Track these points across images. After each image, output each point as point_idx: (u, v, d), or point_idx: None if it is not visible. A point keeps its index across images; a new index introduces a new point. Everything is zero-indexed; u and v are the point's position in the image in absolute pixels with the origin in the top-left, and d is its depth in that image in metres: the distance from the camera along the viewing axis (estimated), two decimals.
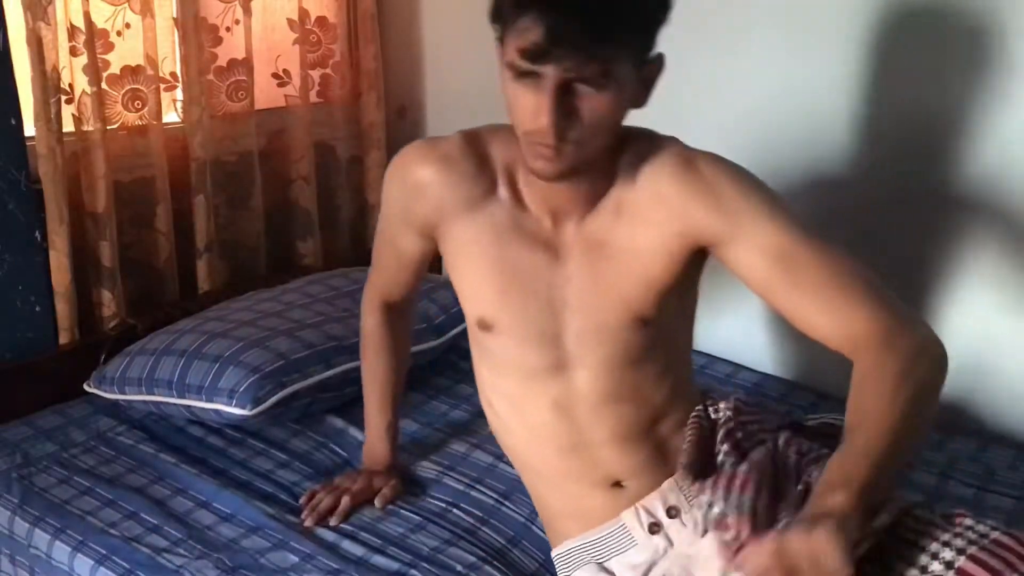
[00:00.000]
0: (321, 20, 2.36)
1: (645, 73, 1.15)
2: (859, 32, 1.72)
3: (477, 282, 1.30)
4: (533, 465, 1.37)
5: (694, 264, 1.26)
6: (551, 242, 1.26)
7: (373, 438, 1.60)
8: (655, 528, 1.30)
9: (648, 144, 1.24)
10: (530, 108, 1.10)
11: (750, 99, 1.90)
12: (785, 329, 1.99)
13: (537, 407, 1.32)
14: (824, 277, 1.18)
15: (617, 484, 1.31)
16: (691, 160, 1.22)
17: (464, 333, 1.46)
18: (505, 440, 1.41)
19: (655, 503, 1.30)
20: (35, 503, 1.57)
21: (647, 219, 1.23)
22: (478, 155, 1.28)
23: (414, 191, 1.31)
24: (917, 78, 1.72)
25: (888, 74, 1.73)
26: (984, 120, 1.69)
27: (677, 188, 1.21)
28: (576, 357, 1.28)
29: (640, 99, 1.17)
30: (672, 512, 1.30)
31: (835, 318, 1.18)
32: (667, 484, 1.31)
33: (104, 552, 1.45)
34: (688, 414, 1.34)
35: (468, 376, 1.56)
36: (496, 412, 1.38)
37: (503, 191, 1.27)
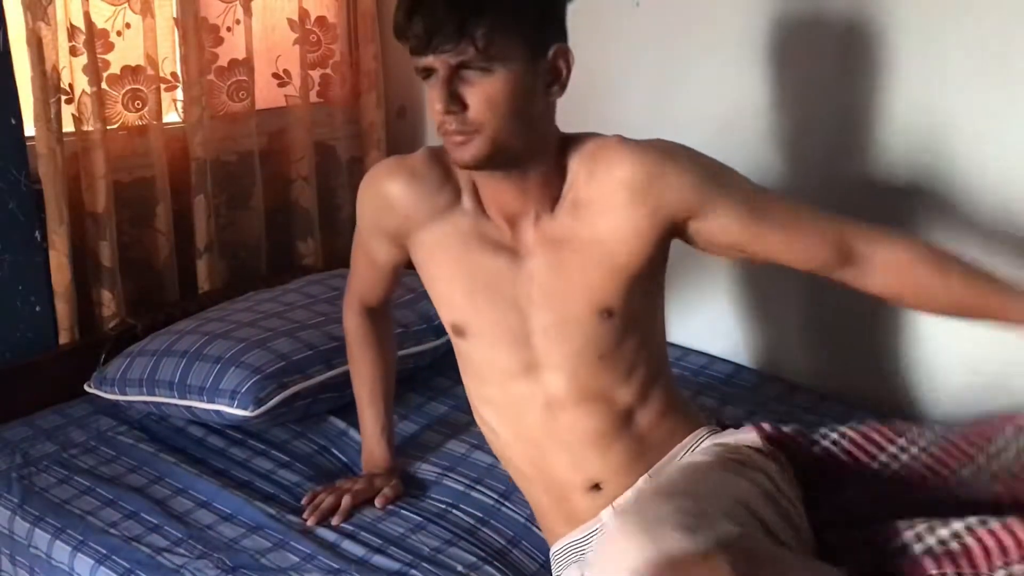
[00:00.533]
0: (321, 20, 2.37)
1: (548, 62, 1.22)
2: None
3: (446, 288, 1.36)
4: (520, 468, 1.40)
5: (661, 247, 1.30)
6: (512, 245, 1.31)
7: (370, 442, 1.61)
8: None
9: (594, 142, 1.30)
10: (432, 101, 1.19)
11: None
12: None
13: (517, 411, 1.35)
14: (795, 206, 1.31)
15: (596, 487, 1.33)
16: (643, 146, 1.28)
17: None
18: (494, 444, 1.44)
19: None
20: (35, 503, 1.57)
21: (608, 209, 1.26)
22: (442, 168, 1.34)
23: (384, 205, 1.37)
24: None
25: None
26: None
27: (638, 172, 1.25)
28: (545, 355, 1.31)
29: (553, 88, 1.24)
30: None
31: (827, 230, 1.28)
32: (641, 481, 1.33)
33: (104, 552, 1.46)
34: (664, 409, 1.35)
35: None
36: (483, 419, 1.42)
37: (466, 201, 1.33)
